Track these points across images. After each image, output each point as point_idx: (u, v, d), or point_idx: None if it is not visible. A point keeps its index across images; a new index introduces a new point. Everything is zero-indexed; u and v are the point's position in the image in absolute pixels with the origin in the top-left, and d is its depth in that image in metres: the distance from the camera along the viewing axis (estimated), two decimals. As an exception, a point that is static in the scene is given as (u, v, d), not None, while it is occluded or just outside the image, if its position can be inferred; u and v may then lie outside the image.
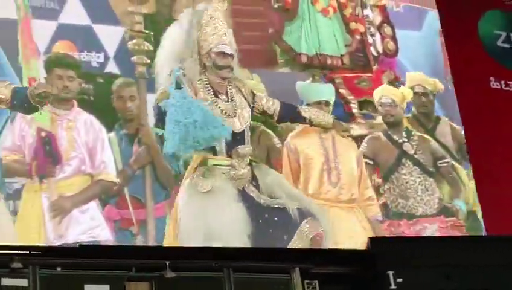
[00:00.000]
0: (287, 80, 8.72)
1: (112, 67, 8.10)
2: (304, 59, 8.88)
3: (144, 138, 7.91)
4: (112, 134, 7.87)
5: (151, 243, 7.60)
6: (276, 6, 8.99)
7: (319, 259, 7.74)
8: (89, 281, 7.12)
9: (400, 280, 7.63)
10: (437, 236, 8.34)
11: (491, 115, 9.04)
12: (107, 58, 8.09)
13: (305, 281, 7.65)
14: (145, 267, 7.31)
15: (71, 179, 7.63)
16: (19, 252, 7.07)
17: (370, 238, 8.02)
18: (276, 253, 7.69)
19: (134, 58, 8.14)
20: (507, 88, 9.38)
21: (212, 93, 7.97)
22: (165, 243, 7.57)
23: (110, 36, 8.18)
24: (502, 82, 9.37)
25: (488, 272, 7.72)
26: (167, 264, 7.29)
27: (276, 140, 8.37)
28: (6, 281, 6.93)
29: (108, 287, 7.16)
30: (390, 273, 7.64)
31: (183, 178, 7.76)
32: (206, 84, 7.99)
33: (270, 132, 8.38)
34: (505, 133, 9.00)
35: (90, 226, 7.51)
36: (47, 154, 7.59)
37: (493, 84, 9.35)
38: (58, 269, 7.11)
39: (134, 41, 8.18)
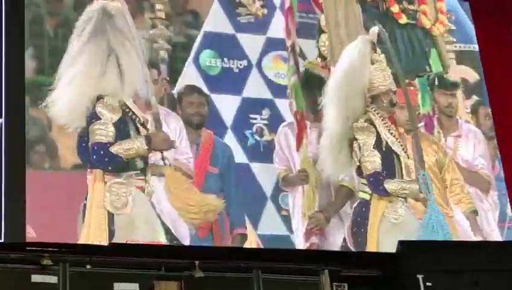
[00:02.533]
0: None
1: None
2: None
3: None
4: None
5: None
6: None
7: (349, 262, 7.73)
8: (118, 280, 7.11)
9: (429, 284, 7.56)
10: (467, 241, 8.29)
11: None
12: None
13: (334, 284, 7.59)
14: (174, 266, 7.29)
15: None
16: (49, 249, 7.07)
17: (400, 241, 7.97)
18: (305, 255, 7.67)
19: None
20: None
21: None
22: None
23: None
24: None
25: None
26: (196, 264, 7.27)
27: None
28: (36, 278, 6.94)
29: (138, 285, 7.15)
30: (420, 277, 7.58)
31: None
32: None
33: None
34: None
35: None
36: None
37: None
38: (88, 266, 7.12)
39: None
